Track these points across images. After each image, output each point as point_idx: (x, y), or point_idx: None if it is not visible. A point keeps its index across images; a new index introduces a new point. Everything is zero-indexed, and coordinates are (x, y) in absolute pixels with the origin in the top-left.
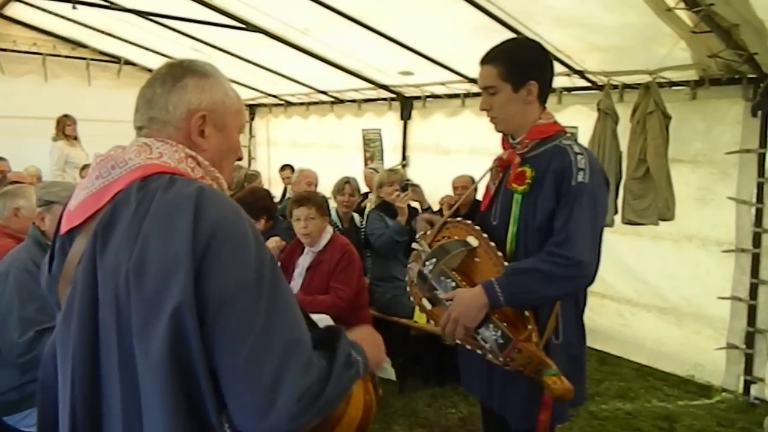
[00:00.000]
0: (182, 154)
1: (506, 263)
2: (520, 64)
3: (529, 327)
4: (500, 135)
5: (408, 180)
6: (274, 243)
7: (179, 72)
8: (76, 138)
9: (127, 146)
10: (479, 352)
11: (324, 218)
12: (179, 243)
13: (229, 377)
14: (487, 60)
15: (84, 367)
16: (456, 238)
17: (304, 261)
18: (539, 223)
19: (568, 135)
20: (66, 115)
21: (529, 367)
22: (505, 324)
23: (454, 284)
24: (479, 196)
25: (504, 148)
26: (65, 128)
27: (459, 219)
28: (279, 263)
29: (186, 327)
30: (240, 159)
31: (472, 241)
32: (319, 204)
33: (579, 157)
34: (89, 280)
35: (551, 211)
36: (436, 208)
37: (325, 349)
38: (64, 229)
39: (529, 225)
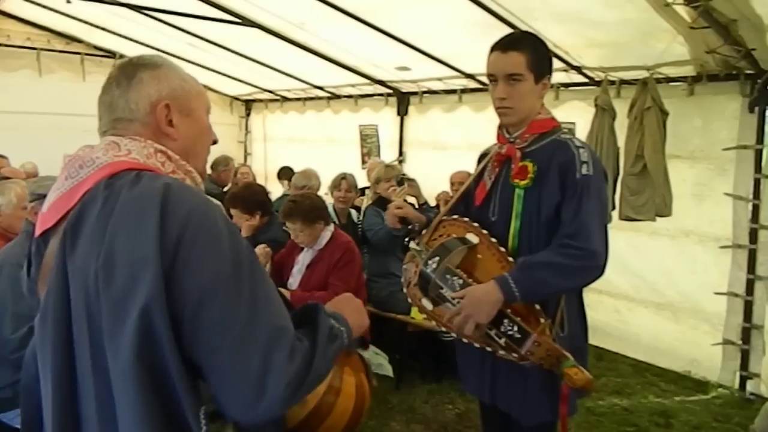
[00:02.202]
0: (151, 149)
1: (510, 258)
2: (544, 58)
3: (542, 320)
4: (496, 129)
5: (404, 175)
6: (260, 250)
7: (131, 70)
8: None
9: (96, 145)
10: (489, 349)
11: (314, 226)
12: (147, 241)
13: (216, 371)
14: (512, 46)
15: (61, 369)
16: (454, 236)
17: (304, 258)
18: (546, 218)
19: (565, 130)
20: None
21: (549, 360)
22: (519, 318)
23: (461, 282)
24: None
25: (499, 141)
26: None
27: (455, 216)
28: (272, 260)
29: (155, 326)
30: (215, 142)
31: (472, 238)
32: (304, 215)
33: (581, 150)
34: (60, 282)
35: (557, 204)
36: (433, 203)
37: (306, 326)
38: (38, 231)
39: (534, 220)
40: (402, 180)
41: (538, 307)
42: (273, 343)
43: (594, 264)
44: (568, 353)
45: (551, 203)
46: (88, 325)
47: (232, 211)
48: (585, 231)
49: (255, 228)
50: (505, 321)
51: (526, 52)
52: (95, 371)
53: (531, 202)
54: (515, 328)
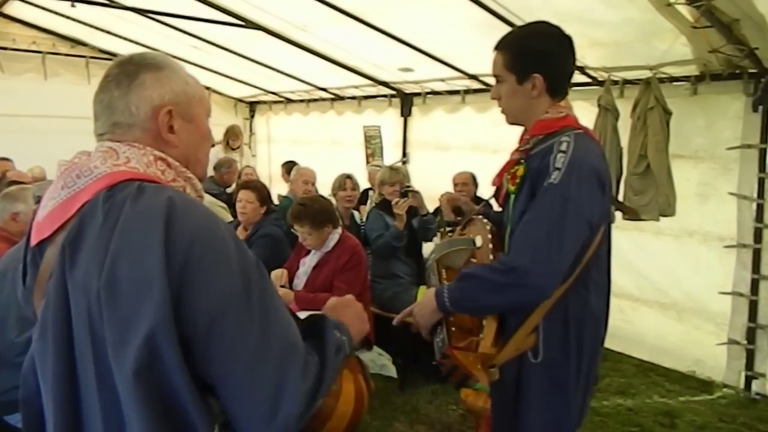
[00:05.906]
0: (151, 157)
1: None
2: (526, 55)
3: (477, 337)
4: (506, 130)
5: (409, 186)
6: (276, 274)
7: (132, 69)
8: (235, 148)
9: (93, 152)
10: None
11: (322, 230)
12: (151, 261)
13: (230, 390)
14: (497, 46)
15: (62, 385)
16: (469, 236)
17: (310, 260)
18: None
19: (578, 131)
20: (232, 126)
21: (456, 375)
22: (453, 329)
23: (436, 281)
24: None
25: (519, 143)
26: (229, 141)
27: (480, 216)
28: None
29: (162, 348)
30: (213, 145)
31: (478, 240)
32: (313, 219)
33: (560, 155)
34: (61, 297)
35: (520, 214)
36: (435, 204)
37: (313, 338)
38: (33, 241)
39: (515, 226)
40: (406, 192)
41: (485, 322)
42: (286, 361)
43: (519, 282)
44: (483, 377)
45: (518, 212)
46: (92, 343)
47: (241, 192)
48: (516, 246)
49: (252, 211)
50: (439, 328)
51: (503, 52)
52: (101, 390)
53: (516, 208)
54: (440, 336)
